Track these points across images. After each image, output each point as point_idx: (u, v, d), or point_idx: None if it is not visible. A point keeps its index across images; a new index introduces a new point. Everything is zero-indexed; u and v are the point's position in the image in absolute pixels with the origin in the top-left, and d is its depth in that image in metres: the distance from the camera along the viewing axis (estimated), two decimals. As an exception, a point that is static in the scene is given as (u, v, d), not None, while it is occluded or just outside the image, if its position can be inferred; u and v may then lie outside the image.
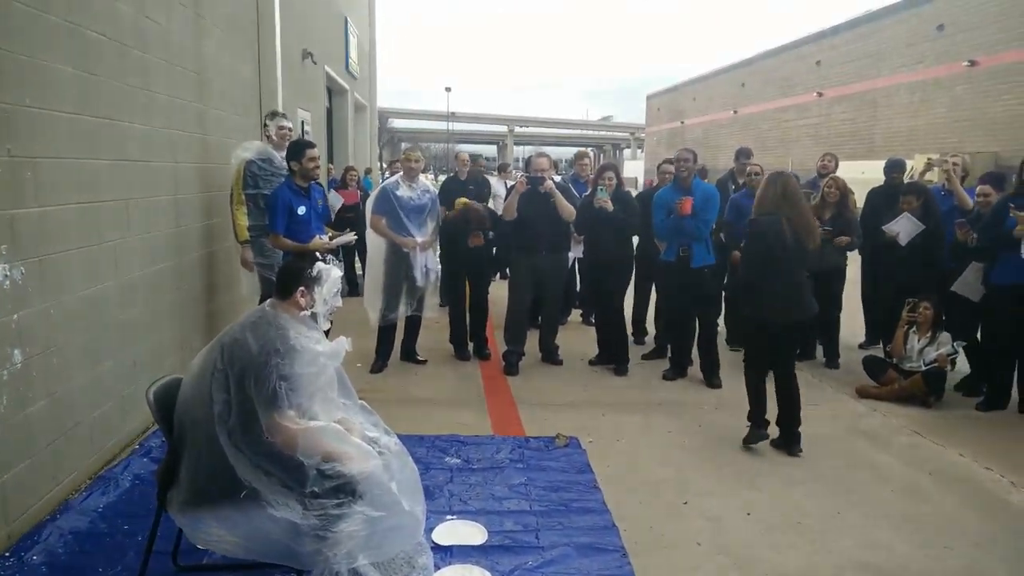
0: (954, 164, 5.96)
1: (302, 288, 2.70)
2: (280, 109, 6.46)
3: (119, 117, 3.96)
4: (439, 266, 6.04)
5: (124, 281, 4.04)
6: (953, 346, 5.24)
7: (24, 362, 3.10)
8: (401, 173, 5.88)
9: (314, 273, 2.73)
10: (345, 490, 2.48)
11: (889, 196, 6.21)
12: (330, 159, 11.61)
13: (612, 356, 5.96)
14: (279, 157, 5.28)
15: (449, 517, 3.38)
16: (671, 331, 5.96)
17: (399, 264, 5.68)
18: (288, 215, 4.73)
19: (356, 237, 5.37)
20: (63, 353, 3.42)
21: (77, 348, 3.55)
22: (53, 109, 3.33)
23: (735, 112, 31.13)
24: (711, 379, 5.59)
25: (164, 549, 2.84)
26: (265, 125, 5.47)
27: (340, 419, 2.75)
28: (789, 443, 4.32)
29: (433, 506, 3.35)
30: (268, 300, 2.78)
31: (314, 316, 2.74)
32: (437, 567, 2.93)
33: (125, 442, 4.09)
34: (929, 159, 7.23)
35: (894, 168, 6.59)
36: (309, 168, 4.80)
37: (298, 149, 4.83)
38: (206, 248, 5.33)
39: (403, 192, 5.67)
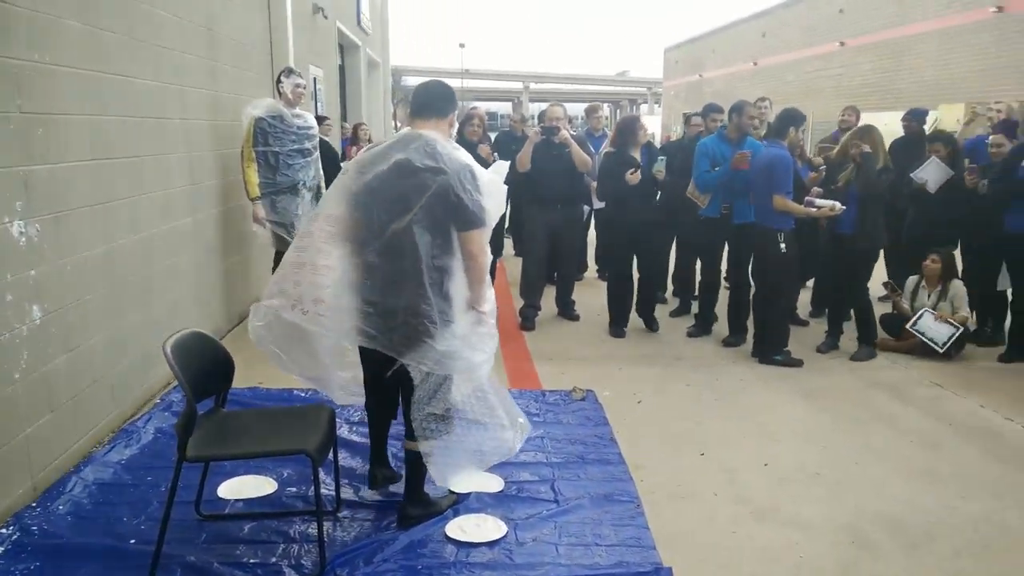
0: (998, 112, 5.82)
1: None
2: (292, 65, 6.38)
3: (128, 72, 3.92)
4: None
5: (141, 238, 4.04)
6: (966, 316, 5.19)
7: (43, 318, 3.12)
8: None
9: None
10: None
11: (910, 146, 6.06)
12: (343, 117, 11.50)
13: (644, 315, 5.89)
14: (289, 114, 5.23)
15: (466, 468, 3.40)
16: (709, 290, 5.72)
17: None
18: None
19: None
20: (82, 309, 3.44)
21: (95, 304, 3.57)
22: (62, 64, 3.29)
23: (755, 64, 30.40)
24: (733, 339, 5.41)
25: (187, 499, 2.89)
26: (279, 82, 5.35)
27: None
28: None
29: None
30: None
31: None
32: (452, 515, 2.96)
33: (146, 397, 4.14)
34: (974, 109, 7.03)
35: (913, 117, 6.42)
36: None
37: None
38: (222, 206, 5.32)
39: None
